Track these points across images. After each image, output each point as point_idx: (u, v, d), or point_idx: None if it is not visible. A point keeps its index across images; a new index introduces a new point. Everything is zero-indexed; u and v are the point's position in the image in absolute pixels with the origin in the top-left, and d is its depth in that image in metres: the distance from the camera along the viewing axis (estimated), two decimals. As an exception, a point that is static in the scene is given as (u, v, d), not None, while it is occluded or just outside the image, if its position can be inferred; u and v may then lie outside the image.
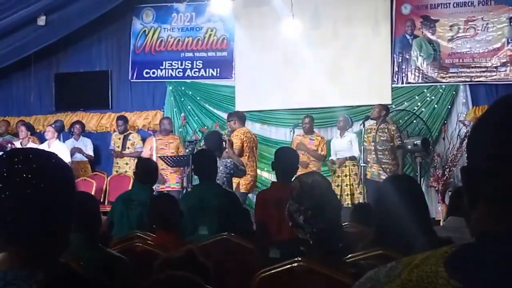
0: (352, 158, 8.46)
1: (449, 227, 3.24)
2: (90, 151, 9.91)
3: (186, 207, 4.23)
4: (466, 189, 0.93)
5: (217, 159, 5.92)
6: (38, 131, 10.81)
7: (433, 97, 9.14)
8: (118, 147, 9.59)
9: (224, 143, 6.60)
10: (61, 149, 8.86)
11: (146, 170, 5.39)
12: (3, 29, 9.47)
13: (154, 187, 8.61)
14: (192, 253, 2.44)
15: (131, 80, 10.63)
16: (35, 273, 1.26)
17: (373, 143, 8.14)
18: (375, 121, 8.28)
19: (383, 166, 8.03)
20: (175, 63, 10.44)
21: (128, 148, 9.57)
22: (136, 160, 9.40)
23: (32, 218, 1.28)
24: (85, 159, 9.81)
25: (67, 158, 8.79)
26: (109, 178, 9.53)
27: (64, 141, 9.83)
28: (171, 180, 8.77)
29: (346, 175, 8.32)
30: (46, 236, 1.30)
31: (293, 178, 4.30)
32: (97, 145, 10.23)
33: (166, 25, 10.52)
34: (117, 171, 9.52)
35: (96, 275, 2.80)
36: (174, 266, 2.15)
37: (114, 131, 10.14)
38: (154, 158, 8.84)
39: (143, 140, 9.61)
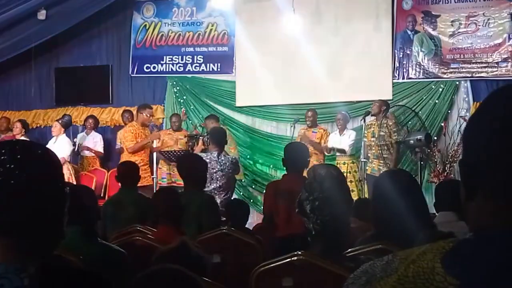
0: (341, 151, 8.41)
1: (440, 223, 3.24)
2: (99, 147, 9.83)
3: None
4: (464, 182, 0.91)
5: (221, 154, 5.98)
6: (38, 125, 10.82)
7: (434, 93, 9.13)
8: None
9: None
10: (63, 144, 8.87)
11: (129, 173, 5.42)
12: (4, 23, 9.46)
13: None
14: (186, 244, 2.43)
15: (132, 75, 10.63)
16: (26, 266, 1.25)
17: (373, 139, 8.14)
18: (375, 117, 8.29)
19: (382, 161, 8.04)
20: (175, 58, 10.43)
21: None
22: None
23: (16, 209, 1.26)
24: (93, 154, 9.78)
25: (65, 153, 8.77)
26: (109, 173, 9.53)
27: (75, 135, 9.84)
28: (178, 176, 8.75)
29: (345, 173, 8.27)
30: (37, 229, 1.29)
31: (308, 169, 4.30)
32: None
33: (167, 20, 10.50)
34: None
35: (94, 267, 2.81)
36: (168, 259, 2.15)
37: (120, 126, 10.09)
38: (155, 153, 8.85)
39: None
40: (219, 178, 5.83)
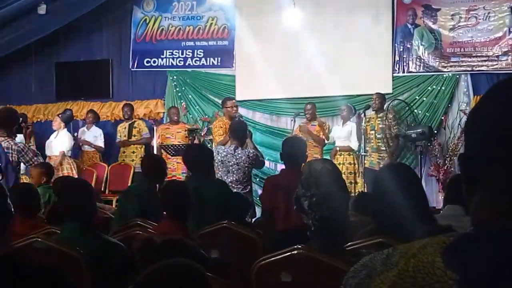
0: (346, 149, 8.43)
1: (447, 216, 3.24)
2: (100, 142, 9.81)
3: None
4: (464, 176, 0.90)
5: (239, 148, 5.99)
6: (39, 120, 10.82)
7: (434, 86, 9.12)
8: (125, 136, 9.58)
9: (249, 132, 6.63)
10: (63, 138, 8.87)
11: (153, 166, 5.20)
12: (4, 18, 9.45)
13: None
14: (182, 239, 2.43)
15: (132, 69, 10.62)
16: None
17: (372, 132, 8.16)
18: (375, 111, 8.31)
19: (381, 154, 8.04)
20: (176, 52, 10.42)
21: (135, 135, 9.56)
22: (143, 148, 9.49)
23: None
24: (93, 149, 9.78)
25: (65, 147, 8.77)
26: (109, 167, 9.54)
27: (76, 130, 9.85)
28: (177, 170, 8.73)
29: (339, 164, 8.25)
30: None
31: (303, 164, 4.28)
32: (98, 135, 10.24)
33: (167, 14, 10.49)
34: (123, 160, 9.52)
35: (93, 261, 2.82)
36: (163, 251, 2.16)
37: (120, 120, 10.12)
38: (155, 147, 8.86)
39: (148, 127, 9.66)
40: (235, 171, 5.88)
